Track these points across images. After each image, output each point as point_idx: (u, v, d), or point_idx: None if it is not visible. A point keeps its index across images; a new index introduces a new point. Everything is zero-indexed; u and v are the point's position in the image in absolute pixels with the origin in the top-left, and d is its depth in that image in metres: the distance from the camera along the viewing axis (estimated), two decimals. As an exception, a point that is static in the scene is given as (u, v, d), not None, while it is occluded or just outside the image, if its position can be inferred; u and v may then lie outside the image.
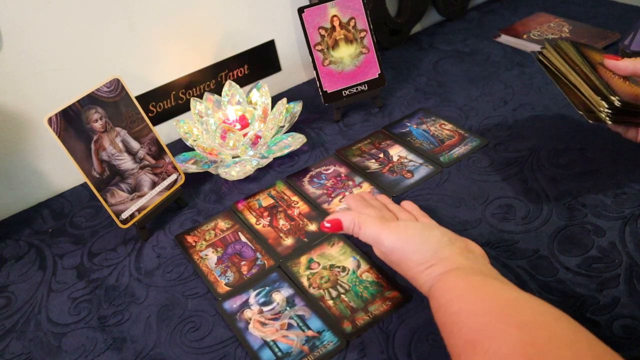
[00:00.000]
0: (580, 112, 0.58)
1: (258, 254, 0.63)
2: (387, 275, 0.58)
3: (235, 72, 0.89)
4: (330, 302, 0.56)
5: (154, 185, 0.68)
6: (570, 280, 0.54)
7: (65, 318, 0.60)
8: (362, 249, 0.61)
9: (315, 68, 0.81)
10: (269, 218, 0.68)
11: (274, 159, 0.76)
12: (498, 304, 0.41)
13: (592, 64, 0.60)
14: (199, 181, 0.77)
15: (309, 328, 0.54)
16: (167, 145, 0.77)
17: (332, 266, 0.60)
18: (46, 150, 0.76)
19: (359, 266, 0.59)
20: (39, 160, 0.76)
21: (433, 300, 0.46)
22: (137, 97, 0.78)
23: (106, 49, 0.75)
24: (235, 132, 0.73)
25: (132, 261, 0.66)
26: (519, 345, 0.37)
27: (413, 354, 0.50)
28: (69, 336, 0.58)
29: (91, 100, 0.62)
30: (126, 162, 0.66)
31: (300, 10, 0.79)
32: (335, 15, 0.80)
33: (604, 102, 0.56)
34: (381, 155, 0.75)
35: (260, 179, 0.75)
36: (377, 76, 0.83)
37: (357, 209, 0.57)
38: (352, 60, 0.82)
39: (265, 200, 0.71)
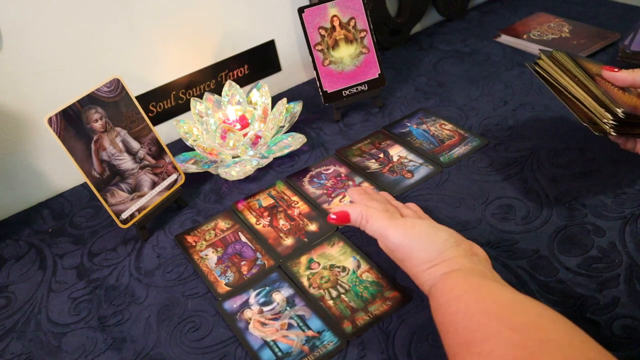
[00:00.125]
0: (585, 125, 0.57)
1: (258, 254, 0.63)
2: (387, 275, 0.58)
3: (235, 72, 0.89)
4: (331, 302, 0.56)
5: (154, 185, 0.68)
6: (570, 280, 0.54)
7: (65, 318, 0.60)
8: (363, 249, 0.61)
9: (315, 68, 0.81)
10: (269, 218, 0.68)
11: (274, 159, 0.76)
12: (495, 306, 0.42)
13: (590, 75, 0.60)
14: (199, 181, 0.77)
15: (309, 328, 0.54)
16: (167, 145, 0.77)
17: (332, 266, 0.60)
18: (46, 150, 0.76)
19: (359, 266, 0.59)
20: (39, 160, 0.76)
21: (433, 299, 0.47)
22: (137, 97, 0.78)
23: (106, 49, 0.75)
24: (235, 132, 0.73)
25: (132, 261, 0.66)
26: (512, 347, 0.37)
27: (413, 354, 0.50)
28: (69, 336, 0.58)
29: (91, 100, 0.62)
30: (126, 162, 0.66)
31: (300, 10, 0.79)
32: (335, 15, 0.80)
33: (608, 114, 0.56)
34: (381, 155, 0.75)
35: (260, 179, 0.75)
36: (377, 76, 0.83)
37: (362, 202, 0.57)
38: (352, 60, 0.82)
39: (265, 200, 0.71)
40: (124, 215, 0.65)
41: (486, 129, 0.77)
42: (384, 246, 0.54)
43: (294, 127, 0.83)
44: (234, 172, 0.72)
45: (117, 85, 0.65)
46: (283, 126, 0.80)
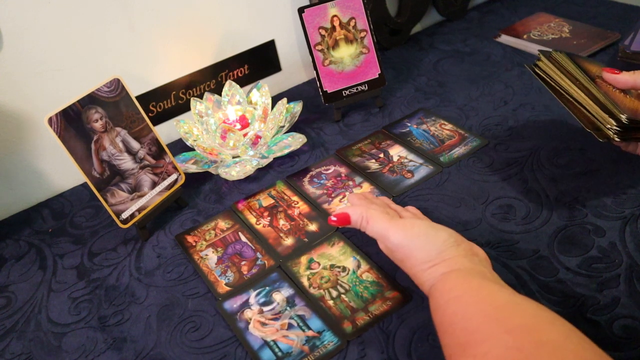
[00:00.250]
0: (588, 130, 0.57)
1: (258, 254, 0.63)
2: (387, 276, 0.58)
3: (235, 72, 0.89)
4: (331, 302, 0.56)
5: (154, 185, 0.68)
6: (570, 280, 0.54)
7: (66, 318, 0.60)
8: (363, 249, 0.61)
9: (315, 68, 0.81)
10: (269, 218, 0.68)
11: (274, 159, 0.76)
12: (492, 307, 0.42)
13: (591, 77, 0.60)
14: (199, 181, 0.77)
15: (309, 328, 0.54)
16: (167, 145, 0.77)
17: (332, 266, 0.60)
18: (46, 150, 0.76)
19: (359, 266, 0.59)
20: (39, 160, 0.76)
21: (432, 299, 0.47)
22: (137, 97, 0.78)
23: (106, 49, 0.75)
24: (235, 132, 0.73)
25: (132, 261, 0.66)
26: (507, 349, 0.37)
27: (413, 354, 0.50)
28: (69, 336, 0.58)
29: (91, 100, 0.62)
30: (126, 162, 0.66)
31: (301, 10, 0.79)
32: (335, 15, 0.80)
33: (612, 120, 0.55)
34: (381, 155, 0.75)
35: (260, 179, 0.75)
36: (377, 76, 0.83)
37: (362, 205, 0.57)
38: (352, 60, 0.82)
39: (265, 200, 0.71)
40: (124, 215, 0.65)
41: (486, 129, 0.77)
42: (384, 247, 0.54)
43: (294, 127, 0.83)
44: (234, 172, 0.72)
45: (117, 85, 0.65)
46: (283, 126, 0.80)
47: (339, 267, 0.60)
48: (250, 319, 0.56)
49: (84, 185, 0.80)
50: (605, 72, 0.60)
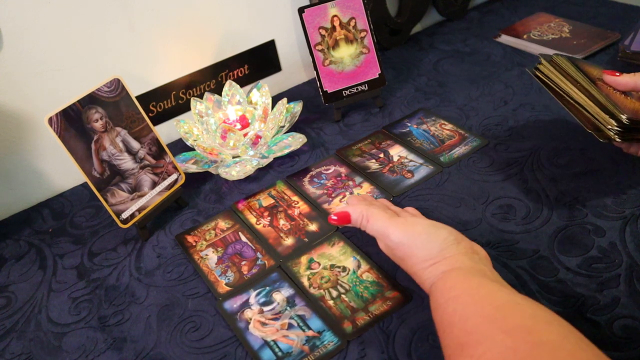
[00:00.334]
0: (589, 131, 0.57)
1: (258, 253, 0.63)
2: (388, 275, 0.58)
3: (235, 72, 0.89)
4: (331, 302, 0.56)
5: (154, 185, 0.68)
6: (570, 280, 0.54)
7: (66, 318, 0.60)
8: (363, 249, 0.61)
9: (315, 68, 0.81)
10: (269, 218, 0.68)
11: (274, 158, 0.76)
12: (491, 307, 0.42)
13: (592, 79, 0.60)
14: (199, 181, 0.77)
15: (309, 328, 0.54)
16: (168, 145, 0.77)
17: (332, 266, 0.60)
18: (46, 150, 0.76)
19: (359, 266, 0.59)
20: (39, 160, 0.76)
21: (432, 297, 0.47)
22: (138, 97, 0.78)
23: (106, 49, 0.75)
24: (235, 132, 0.73)
25: (132, 261, 0.66)
26: (504, 350, 0.37)
27: (413, 354, 0.50)
28: (69, 336, 0.58)
29: (91, 100, 0.62)
30: (126, 162, 0.66)
31: (301, 10, 0.79)
32: (335, 15, 0.80)
33: (612, 121, 0.55)
34: (381, 155, 0.75)
35: (260, 178, 0.75)
36: (378, 76, 0.83)
37: (363, 205, 0.57)
38: (352, 60, 0.82)
39: (265, 200, 0.71)
40: (124, 215, 0.65)
41: (486, 129, 0.77)
42: (384, 246, 0.54)
43: (294, 127, 0.83)
44: (234, 172, 0.72)
45: (117, 85, 0.65)
46: (283, 126, 0.80)
47: (339, 267, 0.60)
48: (251, 319, 0.56)
49: (84, 185, 0.80)
50: (606, 74, 0.60)
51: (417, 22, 1.03)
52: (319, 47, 0.80)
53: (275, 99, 0.84)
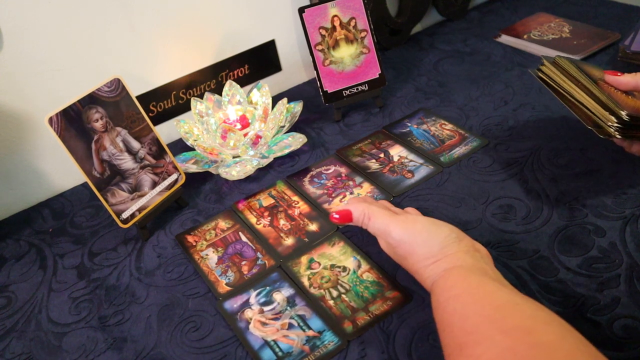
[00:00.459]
0: (589, 128, 0.57)
1: (259, 253, 0.63)
2: (388, 275, 0.58)
3: (235, 72, 0.89)
4: (331, 302, 0.56)
5: (154, 185, 0.68)
6: (570, 280, 0.54)
7: (66, 318, 0.60)
8: (363, 249, 0.61)
9: (315, 68, 0.81)
10: (269, 218, 0.68)
11: (274, 158, 0.76)
12: (490, 307, 0.42)
13: (594, 80, 0.60)
14: (200, 181, 0.77)
15: (309, 328, 0.54)
16: (168, 145, 0.77)
17: (332, 266, 0.60)
18: (47, 150, 0.76)
19: (359, 266, 0.59)
20: (39, 160, 0.76)
21: (434, 296, 0.47)
22: (138, 97, 0.78)
23: (106, 49, 0.75)
24: (235, 132, 0.73)
25: (132, 261, 0.66)
26: (502, 351, 0.37)
27: (414, 354, 0.50)
28: (69, 336, 0.58)
29: (92, 100, 0.62)
30: (127, 162, 0.66)
31: (301, 10, 0.79)
32: (335, 15, 0.80)
33: (612, 117, 0.56)
34: (382, 155, 0.75)
35: (260, 178, 0.75)
36: (378, 76, 0.83)
37: (364, 204, 0.57)
38: (352, 60, 0.82)
39: (265, 200, 0.71)
40: (125, 215, 0.65)
41: (486, 129, 0.77)
42: (385, 244, 0.54)
43: (295, 127, 0.83)
44: (234, 172, 0.72)
45: (117, 85, 0.65)
46: (283, 126, 0.80)
47: (339, 267, 0.60)
48: (251, 319, 0.56)
49: (84, 185, 0.80)
50: (607, 74, 0.61)
51: (417, 22, 1.03)
52: (319, 47, 0.80)
53: (276, 99, 0.84)
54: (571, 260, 0.56)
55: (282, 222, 0.67)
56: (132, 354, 0.55)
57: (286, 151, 0.75)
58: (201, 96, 0.85)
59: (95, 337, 0.57)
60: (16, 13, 0.67)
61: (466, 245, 0.50)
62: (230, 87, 0.80)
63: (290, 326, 0.54)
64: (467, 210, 0.64)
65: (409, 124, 0.81)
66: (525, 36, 0.97)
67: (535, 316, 0.40)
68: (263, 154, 0.76)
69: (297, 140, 0.76)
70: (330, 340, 0.52)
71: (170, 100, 0.84)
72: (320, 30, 0.80)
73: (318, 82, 0.82)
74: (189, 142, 0.76)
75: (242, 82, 0.90)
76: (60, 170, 0.78)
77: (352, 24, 0.81)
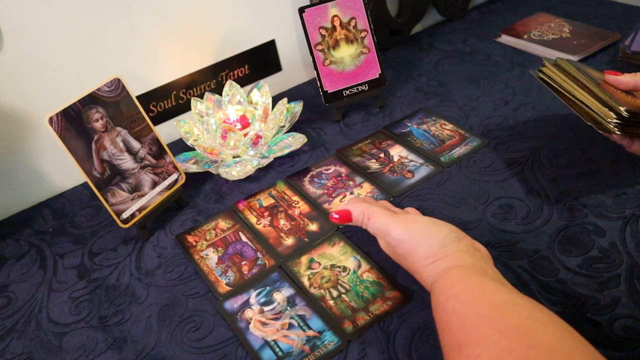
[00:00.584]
0: (589, 124, 0.58)
1: (259, 253, 0.63)
2: (388, 275, 0.58)
3: (235, 72, 0.89)
4: (331, 302, 0.56)
5: (154, 185, 0.68)
6: (570, 280, 0.54)
7: (66, 318, 0.60)
8: (363, 249, 0.61)
9: (315, 68, 0.81)
10: (269, 218, 0.68)
11: (274, 158, 0.76)
12: (489, 307, 0.42)
13: (594, 80, 0.61)
14: (200, 181, 0.77)
15: (309, 328, 0.54)
16: (168, 145, 0.77)
17: (332, 266, 0.60)
18: (47, 150, 0.76)
19: (359, 266, 0.59)
20: (39, 159, 0.76)
21: (433, 296, 0.47)
22: (138, 97, 0.78)
23: (106, 49, 0.75)
24: (235, 132, 0.73)
25: (132, 261, 0.66)
26: (500, 351, 0.37)
27: (414, 354, 0.50)
28: (69, 336, 0.58)
29: (92, 99, 0.62)
30: (127, 162, 0.66)
31: (301, 10, 0.79)
32: (335, 15, 0.80)
33: (611, 113, 0.56)
34: (382, 155, 0.75)
35: (260, 178, 0.75)
36: (378, 76, 0.83)
37: (364, 204, 0.57)
38: (352, 60, 0.82)
39: (265, 200, 0.71)
40: (125, 215, 0.65)
41: (487, 129, 0.77)
42: (385, 244, 0.54)
43: (295, 127, 0.83)
44: (234, 172, 0.72)
45: (117, 85, 0.65)
46: (284, 126, 0.80)
47: (339, 267, 0.60)
48: (251, 319, 0.56)
49: (85, 185, 0.80)
50: (607, 74, 0.62)
51: (417, 22, 1.03)
52: (319, 47, 0.80)
53: (276, 99, 0.84)
54: (571, 260, 0.56)
55: (282, 222, 0.67)
56: (132, 353, 0.55)
57: (286, 151, 0.75)
58: (201, 96, 0.85)
59: (95, 337, 0.57)
60: (16, 13, 0.67)
61: (466, 244, 0.50)
62: (231, 87, 0.80)
63: (291, 326, 0.54)
64: (467, 210, 0.64)
65: (409, 124, 0.81)
66: (525, 36, 0.97)
67: (534, 316, 0.40)
68: (263, 154, 0.76)
69: (297, 140, 0.76)
70: (330, 340, 0.52)
71: (171, 100, 0.84)
72: (321, 30, 0.80)
73: (318, 82, 0.82)
74: (189, 142, 0.76)
75: (242, 82, 0.90)
76: (60, 170, 0.78)
77: (352, 24, 0.81)
